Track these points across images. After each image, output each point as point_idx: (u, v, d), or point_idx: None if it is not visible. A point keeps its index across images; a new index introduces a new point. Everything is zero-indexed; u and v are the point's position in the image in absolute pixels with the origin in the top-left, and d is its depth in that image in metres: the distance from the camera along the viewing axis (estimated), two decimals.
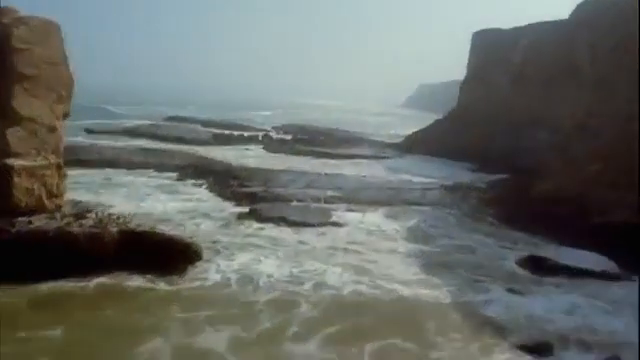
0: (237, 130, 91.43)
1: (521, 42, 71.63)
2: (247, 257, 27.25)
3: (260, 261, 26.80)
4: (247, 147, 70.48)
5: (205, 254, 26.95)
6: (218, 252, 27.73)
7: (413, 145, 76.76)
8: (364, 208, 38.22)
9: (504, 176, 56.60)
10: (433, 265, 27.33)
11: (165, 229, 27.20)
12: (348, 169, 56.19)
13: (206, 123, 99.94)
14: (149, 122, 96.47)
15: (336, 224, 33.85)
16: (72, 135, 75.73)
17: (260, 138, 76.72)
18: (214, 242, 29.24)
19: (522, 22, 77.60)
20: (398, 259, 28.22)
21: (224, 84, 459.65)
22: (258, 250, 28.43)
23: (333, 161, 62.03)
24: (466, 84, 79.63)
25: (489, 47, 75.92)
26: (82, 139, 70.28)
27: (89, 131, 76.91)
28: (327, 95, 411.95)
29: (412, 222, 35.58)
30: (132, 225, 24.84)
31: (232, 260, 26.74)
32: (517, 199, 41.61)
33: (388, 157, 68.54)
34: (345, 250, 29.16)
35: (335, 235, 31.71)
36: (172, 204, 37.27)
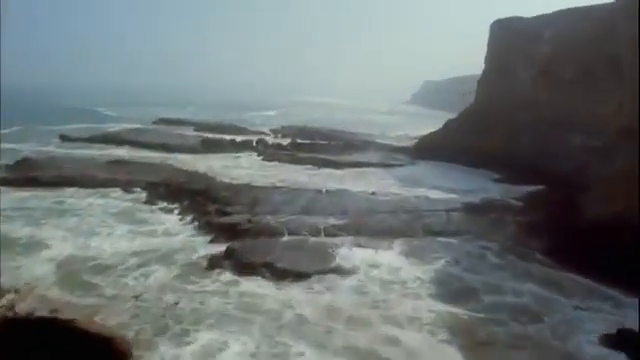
0: (232, 134, 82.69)
1: (548, 31, 62.36)
2: (207, 338, 18.45)
3: (226, 346, 17.99)
4: (239, 155, 61.62)
5: (148, 331, 18.42)
6: (166, 329, 18.93)
7: (425, 149, 67.66)
8: (376, 242, 29.20)
9: (536, 188, 47.63)
10: (483, 348, 18.41)
11: (84, 314, 18.54)
12: (353, 182, 47.25)
13: (199, 126, 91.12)
14: (138, 125, 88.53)
15: (339, 271, 24.92)
16: (43, 143, 67.45)
17: (254, 144, 67.81)
18: (164, 309, 20.48)
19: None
20: (427, 335, 19.30)
21: (227, 84, 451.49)
22: (225, 323, 19.61)
23: (336, 171, 53.06)
24: (484, 79, 70.32)
25: (510, 37, 66.57)
26: (53, 148, 61.89)
27: (64, 138, 68.42)
28: (331, 93, 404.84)
29: (440, 264, 26.55)
30: (25, 306, 16.08)
31: (184, 345, 17.94)
32: (567, 225, 32.54)
33: (399, 164, 59.50)
34: (350, 320, 20.21)
35: (337, 293, 22.75)
36: (126, 243, 28.44)
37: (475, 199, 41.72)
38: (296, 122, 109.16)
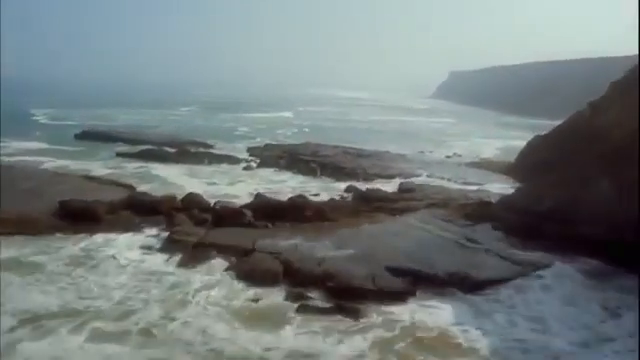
0: (177, 161, 47.78)
1: None
2: None
3: None
4: (132, 238, 25.75)
5: None
6: None
7: (529, 215, 30.37)
8: None
9: None
10: None
11: None
12: None
13: (135, 146, 55.94)
14: (44, 145, 55.38)
15: None
16: None
17: (180, 203, 31.67)
18: None
19: None
20: None
21: (255, 83, 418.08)
22: None
23: (339, 345, 17.00)
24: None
25: None
26: None
27: None
28: (355, 88, 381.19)
29: None
30: None
31: None
32: None
33: (505, 279, 22.99)
34: None
35: None
36: None
37: None
38: (304, 127, 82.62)
